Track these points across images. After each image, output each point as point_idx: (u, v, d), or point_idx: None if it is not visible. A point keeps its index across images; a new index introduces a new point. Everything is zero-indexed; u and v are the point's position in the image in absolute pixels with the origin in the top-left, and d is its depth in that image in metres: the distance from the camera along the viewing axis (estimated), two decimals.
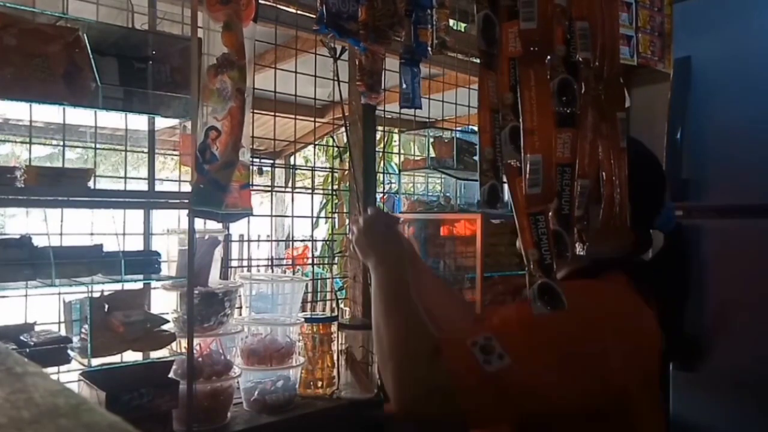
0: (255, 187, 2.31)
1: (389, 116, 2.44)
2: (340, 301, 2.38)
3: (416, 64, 1.79)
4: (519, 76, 0.90)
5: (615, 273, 1.09)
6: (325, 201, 4.09)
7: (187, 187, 1.63)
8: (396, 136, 3.08)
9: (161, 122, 1.84)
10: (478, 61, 2.77)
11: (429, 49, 1.81)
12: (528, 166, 0.88)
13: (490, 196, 0.90)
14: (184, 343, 1.62)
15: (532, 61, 0.91)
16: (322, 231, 4.03)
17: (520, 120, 0.90)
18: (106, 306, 1.56)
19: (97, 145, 1.77)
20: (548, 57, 0.94)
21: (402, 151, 2.68)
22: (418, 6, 1.70)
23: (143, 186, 1.85)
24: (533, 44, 0.90)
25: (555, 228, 0.93)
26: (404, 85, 1.80)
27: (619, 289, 1.08)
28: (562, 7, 0.95)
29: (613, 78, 1.04)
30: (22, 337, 1.47)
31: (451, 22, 2.69)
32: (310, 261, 2.68)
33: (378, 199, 2.42)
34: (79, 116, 1.67)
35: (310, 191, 2.46)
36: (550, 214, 0.93)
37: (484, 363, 0.92)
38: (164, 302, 1.78)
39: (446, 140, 2.47)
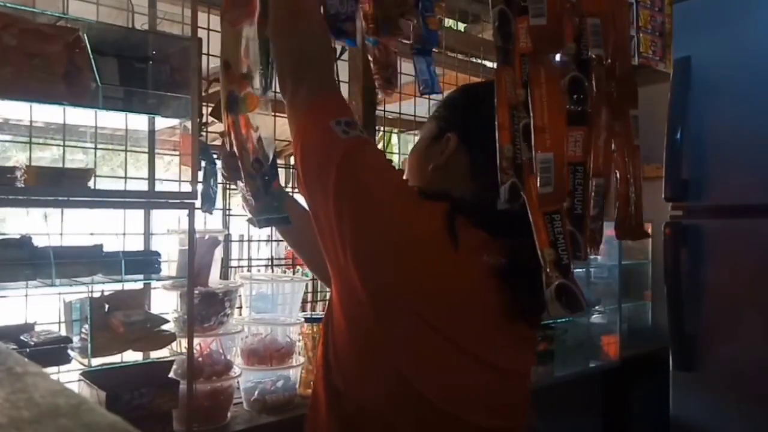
0: None
1: (389, 116, 2.44)
2: None
3: (428, 52, 1.78)
4: (529, 73, 0.89)
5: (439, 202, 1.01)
6: None
7: (187, 187, 1.63)
8: (395, 137, 3.08)
9: (161, 122, 1.84)
10: (477, 61, 2.76)
11: (439, 35, 1.79)
12: (539, 164, 0.87)
13: (510, 195, 0.88)
14: (184, 343, 1.62)
15: (542, 58, 0.90)
16: None
17: (523, 119, 0.88)
18: (107, 306, 1.56)
19: (98, 146, 1.77)
20: (558, 54, 0.93)
21: (402, 152, 2.68)
22: None
23: (143, 186, 1.85)
24: (543, 41, 0.89)
25: (568, 228, 0.91)
26: (422, 74, 1.78)
27: (431, 207, 1.00)
28: (572, 3, 0.94)
29: (625, 75, 1.03)
30: (22, 337, 1.47)
31: (451, 22, 2.69)
32: None
33: None
34: (80, 116, 1.67)
35: None
36: (564, 213, 0.92)
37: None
38: (164, 302, 1.78)
39: None
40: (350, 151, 0.98)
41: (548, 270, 0.87)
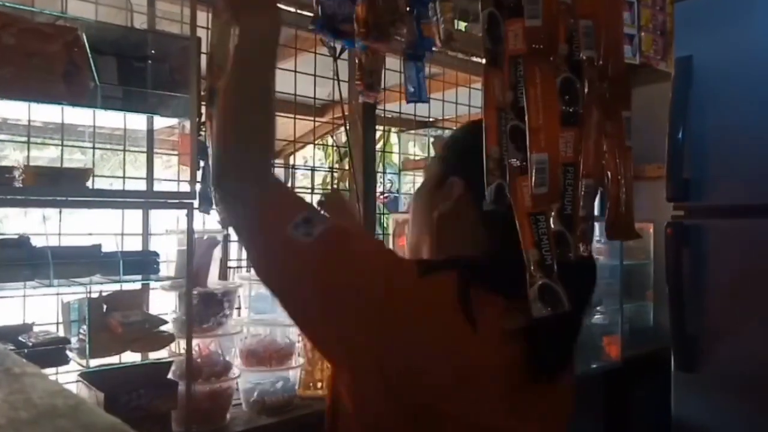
0: None
1: (389, 116, 2.44)
2: None
3: (420, 58, 1.78)
4: (524, 74, 0.89)
5: (447, 270, 0.93)
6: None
7: (185, 187, 1.62)
8: (394, 136, 3.08)
9: (160, 122, 1.84)
10: (477, 60, 2.77)
11: (438, 42, 1.79)
12: (534, 165, 0.87)
13: (497, 196, 0.89)
14: (182, 343, 1.62)
15: (537, 58, 0.90)
16: None
17: (525, 119, 0.89)
18: (105, 306, 1.56)
19: (96, 145, 1.76)
20: (553, 55, 0.93)
21: (402, 151, 2.68)
22: (419, 1, 1.69)
23: (142, 186, 1.85)
24: (538, 42, 0.90)
25: (558, 228, 0.92)
26: (410, 81, 1.78)
27: (436, 282, 0.91)
28: (567, 4, 0.94)
29: (618, 76, 1.04)
30: (20, 338, 1.46)
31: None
32: None
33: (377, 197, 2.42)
34: (78, 116, 1.67)
35: (310, 191, 2.45)
36: (554, 214, 0.92)
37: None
38: (163, 303, 1.77)
39: None
40: (323, 252, 0.88)
41: (532, 270, 0.87)
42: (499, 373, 0.92)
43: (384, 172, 3.46)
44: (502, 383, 0.92)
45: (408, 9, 1.62)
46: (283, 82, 2.10)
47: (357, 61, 1.73)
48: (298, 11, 2.05)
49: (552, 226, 0.92)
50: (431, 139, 2.48)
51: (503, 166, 0.89)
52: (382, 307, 0.87)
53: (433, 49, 1.82)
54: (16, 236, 1.46)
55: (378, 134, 2.56)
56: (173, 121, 1.84)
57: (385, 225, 2.82)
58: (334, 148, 3.94)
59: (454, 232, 1.00)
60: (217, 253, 1.82)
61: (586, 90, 0.97)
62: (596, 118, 1.01)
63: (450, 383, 0.89)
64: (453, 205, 1.00)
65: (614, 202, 1.05)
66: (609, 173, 1.04)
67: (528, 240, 0.88)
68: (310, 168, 2.61)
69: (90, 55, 1.47)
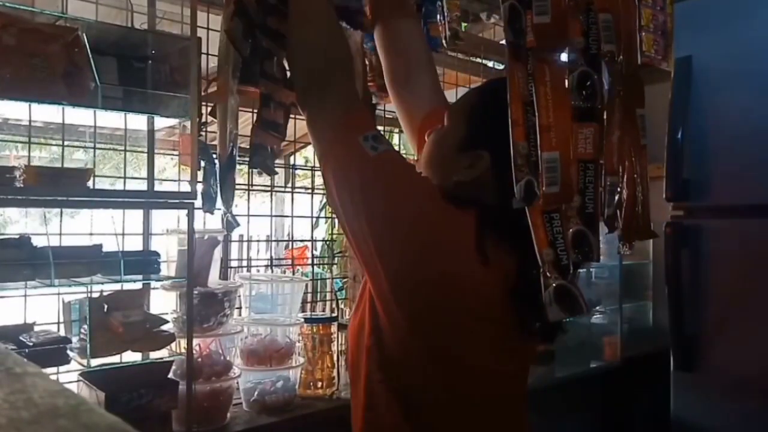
0: (255, 187, 2.31)
1: (389, 116, 2.44)
2: (340, 302, 2.37)
3: None
4: (533, 71, 0.87)
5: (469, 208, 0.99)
6: (325, 201, 4.08)
7: (186, 187, 1.62)
8: (396, 136, 3.07)
9: (160, 122, 1.84)
10: (478, 60, 2.74)
11: (443, 42, 1.78)
12: (544, 164, 0.85)
13: (527, 193, 0.86)
14: (183, 343, 1.62)
15: (546, 56, 0.88)
16: (322, 231, 4.02)
17: (536, 116, 0.86)
18: (106, 306, 1.56)
19: (97, 146, 1.76)
20: (562, 52, 0.91)
21: (402, 151, 2.68)
22: (428, 0, 1.67)
23: (143, 186, 1.85)
24: (547, 38, 0.88)
25: (579, 227, 0.88)
26: None
27: (457, 216, 0.98)
28: (576, 0, 0.92)
29: (632, 74, 1.02)
30: (21, 338, 1.46)
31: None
32: (310, 261, 2.68)
33: None
34: (79, 116, 1.67)
35: (310, 191, 2.45)
36: (574, 213, 0.89)
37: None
38: (164, 302, 1.77)
39: None
40: (381, 167, 0.99)
41: (547, 271, 0.84)
42: (493, 310, 0.98)
43: None
44: (500, 326, 0.99)
45: (416, 8, 1.61)
46: None
47: (368, 62, 1.72)
48: None
49: (572, 225, 0.88)
50: None
51: (531, 162, 0.87)
52: (411, 223, 0.97)
53: (439, 49, 1.80)
54: (17, 236, 1.46)
55: None
56: (174, 122, 1.84)
57: None
58: None
59: (468, 195, 1.02)
60: (218, 253, 1.82)
61: (606, 85, 0.95)
62: (619, 115, 0.99)
63: (461, 320, 0.97)
64: (474, 178, 1.03)
65: (631, 201, 1.03)
66: (624, 172, 1.02)
67: (542, 239, 0.85)
68: (310, 168, 2.61)
69: (90, 56, 1.47)
